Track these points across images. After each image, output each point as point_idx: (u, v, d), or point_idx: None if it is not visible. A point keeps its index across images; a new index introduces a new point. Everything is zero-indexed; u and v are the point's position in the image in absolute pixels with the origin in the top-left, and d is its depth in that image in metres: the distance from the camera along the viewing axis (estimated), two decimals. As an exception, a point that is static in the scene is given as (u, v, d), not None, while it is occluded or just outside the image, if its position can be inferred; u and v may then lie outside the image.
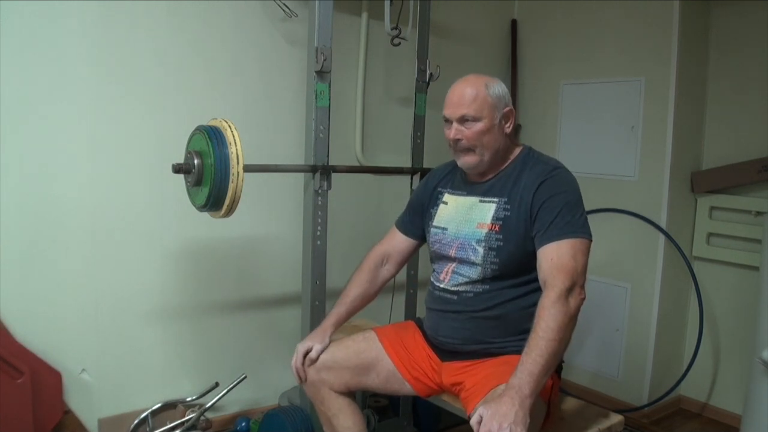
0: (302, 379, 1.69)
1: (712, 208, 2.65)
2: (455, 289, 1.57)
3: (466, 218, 1.58)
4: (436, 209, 1.68)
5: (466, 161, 1.59)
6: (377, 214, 2.70)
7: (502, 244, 1.50)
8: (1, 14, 1.86)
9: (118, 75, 2.09)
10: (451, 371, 1.59)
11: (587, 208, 1.53)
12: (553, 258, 1.42)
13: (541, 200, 1.47)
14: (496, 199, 1.55)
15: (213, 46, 2.27)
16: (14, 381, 1.85)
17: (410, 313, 2.53)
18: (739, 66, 2.56)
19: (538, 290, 1.48)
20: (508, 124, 1.56)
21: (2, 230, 1.93)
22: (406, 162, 2.48)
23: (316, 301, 2.06)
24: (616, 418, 1.65)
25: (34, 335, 1.99)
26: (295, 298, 2.37)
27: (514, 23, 3.15)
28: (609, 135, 2.76)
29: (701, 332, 2.61)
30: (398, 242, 1.80)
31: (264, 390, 2.50)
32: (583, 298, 1.42)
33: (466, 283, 1.56)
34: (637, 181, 2.67)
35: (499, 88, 1.56)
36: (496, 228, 1.51)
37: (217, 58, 2.28)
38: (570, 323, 1.37)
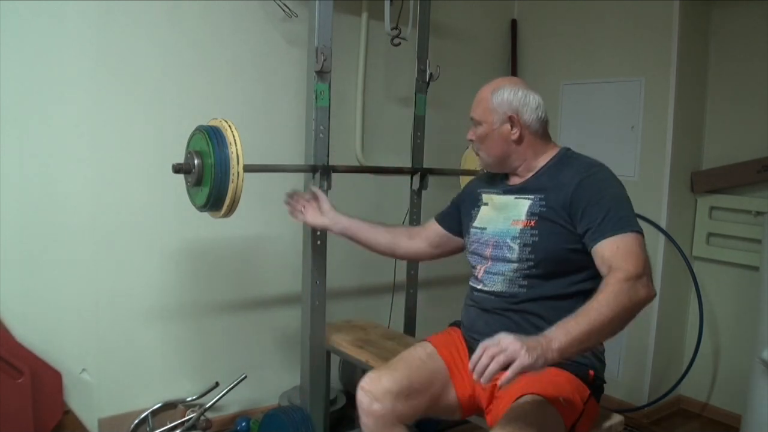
0: (292, 205, 1.83)
1: (712, 208, 2.65)
2: (491, 289, 1.52)
3: (502, 216, 1.54)
4: (477, 210, 1.64)
5: (479, 161, 1.64)
6: (377, 214, 2.69)
7: (537, 239, 1.44)
8: (1, 14, 1.86)
9: (119, 75, 2.09)
10: (485, 387, 1.51)
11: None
12: (619, 246, 1.32)
13: (586, 197, 1.40)
14: (531, 196, 1.51)
15: (213, 46, 2.27)
16: (14, 381, 1.85)
17: (410, 313, 2.52)
18: (739, 66, 2.56)
19: (583, 295, 1.37)
20: (513, 131, 1.51)
21: (3, 230, 1.93)
22: (406, 162, 2.48)
23: (316, 301, 2.06)
24: (616, 418, 1.65)
25: (34, 335, 1.99)
26: (295, 298, 2.37)
27: (514, 23, 3.15)
28: (609, 135, 2.77)
29: (701, 332, 2.61)
30: (428, 227, 1.81)
31: (264, 390, 2.50)
32: (654, 295, 1.27)
33: (503, 282, 1.50)
34: (637, 181, 2.67)
35: (506, 93, 1.51)
36: (532, 223, 1.46)
37: (217, 58, 2.28)
38: (632, 309, 1.23)
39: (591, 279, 1.43)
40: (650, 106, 2.62)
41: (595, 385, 1.48)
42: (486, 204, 1.63)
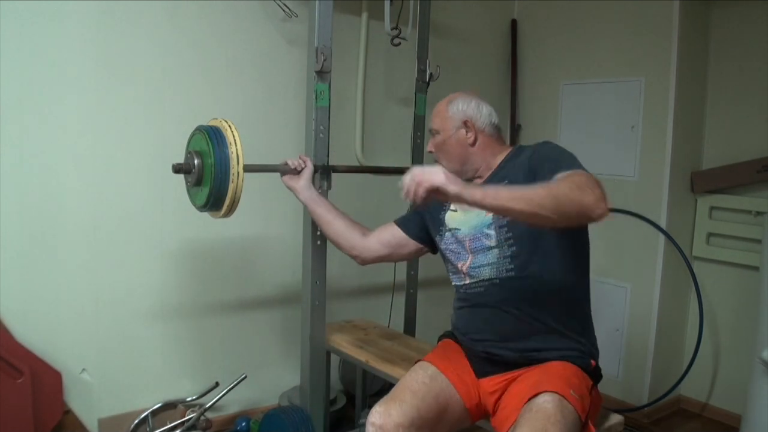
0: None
1: (712, 208, 2.65)
2: (479, 280, 1.55)
3: (473, 213, 1.57)
4: (445, 213, 1.68)
5: None
6: (377, 214, 2.69)
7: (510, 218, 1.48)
8: (1, 14, 1.86)
9: (118, 75, 2.09)
10: (489, 388, 1.54)
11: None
12: (572, 174, 1.34)
13: (542, 158, 1.48)
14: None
15: (213, 47, 2.27)
16: (14, 381, 1.85)
17: (410, 313, 2.53)
18: (739, 66, 2.56)
19: (573, 273, 1.50)
20: (468, 135, 1.63)
21: (2, 230, 1.93)
22: (406, 162, 2.48)
23: (316, 301, 2.06)
24: (616, 418, 1.65)
25: (34, 335, 1.99)
26: (295, 298, 2.37)
27: (514, 23, 3.15)
28: (609, 135, 2.76)
29: (701, 332, 2.61)
30: (385, 228, 1.81)
31: (264, 390, 2.50)
32: (604, 212, 1.24)
33: (490, 270, 1.53)
34: (637, 181, 2.67)
35: (461, 103, 1.65)
36: None
37: (217, 58, 2.28)
38: (571, 200, 1.23)
39: (578, 255, 1.53)
40: (650, 106, 2.62)
41: (596, 374, 1.53)
42: (455, 210, 1.66)
